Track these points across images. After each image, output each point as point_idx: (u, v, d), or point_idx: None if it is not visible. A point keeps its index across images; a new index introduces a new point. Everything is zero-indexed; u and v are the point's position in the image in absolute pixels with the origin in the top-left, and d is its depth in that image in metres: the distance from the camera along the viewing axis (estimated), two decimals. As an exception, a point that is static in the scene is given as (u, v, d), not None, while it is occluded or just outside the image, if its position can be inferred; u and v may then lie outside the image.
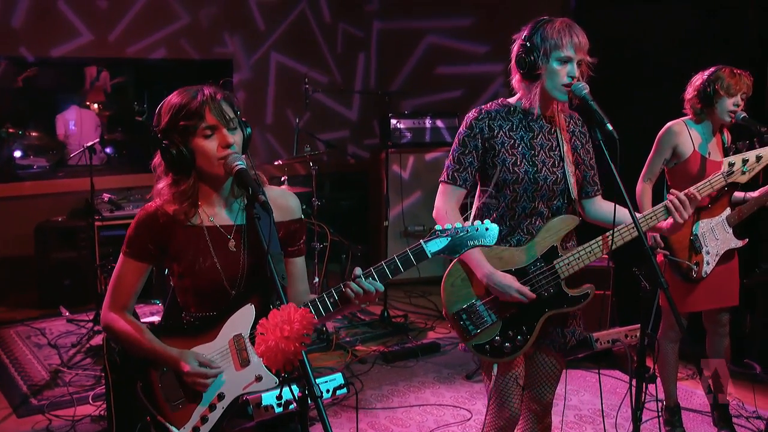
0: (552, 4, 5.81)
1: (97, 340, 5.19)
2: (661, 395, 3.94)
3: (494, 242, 2.16)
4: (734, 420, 3.96)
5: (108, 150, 7.90)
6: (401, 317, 5.81)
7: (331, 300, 2.10)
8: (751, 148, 3.28)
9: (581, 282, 2.68)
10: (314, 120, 7.43)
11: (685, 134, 3.62)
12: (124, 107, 8.81)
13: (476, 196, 2.77)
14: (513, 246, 2.67)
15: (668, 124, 3.68)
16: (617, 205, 2.56)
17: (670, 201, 2.60)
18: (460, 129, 2.70)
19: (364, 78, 8.30)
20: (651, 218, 2.63)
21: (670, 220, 2.63)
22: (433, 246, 2.09)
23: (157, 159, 2.19)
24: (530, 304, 2.61)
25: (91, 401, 4.30)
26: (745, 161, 2.84)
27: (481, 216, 2.71)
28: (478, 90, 7.30)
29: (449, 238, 2.10)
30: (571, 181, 2.67)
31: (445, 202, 2.70)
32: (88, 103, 7.44)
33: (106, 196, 6.14)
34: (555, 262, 2.63)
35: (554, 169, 2.65)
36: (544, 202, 2.66)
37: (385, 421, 4.17)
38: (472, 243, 2.13)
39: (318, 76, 7.65)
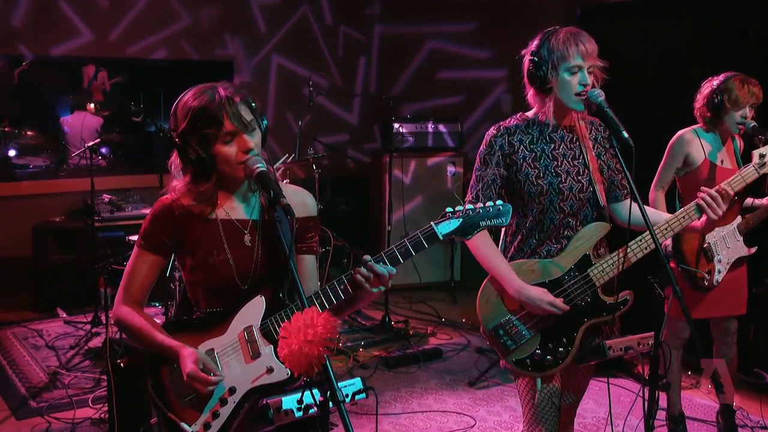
0: (554, 9, 5.80)
1: (96, 342, 5.14)
2: (665, 404, 3.93)
3: (507, 222, 2.09)
4: (739, 429, 3.95)
5: (104, 150, 7.84)
6: (402, 323, 5.77)
7: (342, 287, 2.04)
8: None
9: (619, 289, 2.64)
10: (314, 123, 7.41)
11: (696, 142, 3.61)
12: (121, 108, 8.74)
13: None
14: (543, 257, 2.64)
15: (679, 132, 3.66)
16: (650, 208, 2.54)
17: (701, 198, 2.61)
18: (481, 147, 2.68)
19: (365, 82, 8.28)
20: (684, 218, 2.64)
21: (704, 218, 2.64)
22: (444, 228, 2.02)
23: (174, 158, 2.17)
24: (568, 315, 2.58)
25: (90, 404, 4.25)
26: None
27: (512, 235, 2.70)
28: (479, 96, 7.29)
29: (461, 219, 2.02)
30: (598, 188, 2.65)
31: None
32: (86, 104, 7.37)
33: (106, 197, 6.06)
34: (589, 270, 2.61)
35: (579, 178, 2.63)
36: (573, 211, 2.63)
37: (388, 427, 4.14)
38: (484, 223, 2.05)
39: (319, 79, 7.63)
